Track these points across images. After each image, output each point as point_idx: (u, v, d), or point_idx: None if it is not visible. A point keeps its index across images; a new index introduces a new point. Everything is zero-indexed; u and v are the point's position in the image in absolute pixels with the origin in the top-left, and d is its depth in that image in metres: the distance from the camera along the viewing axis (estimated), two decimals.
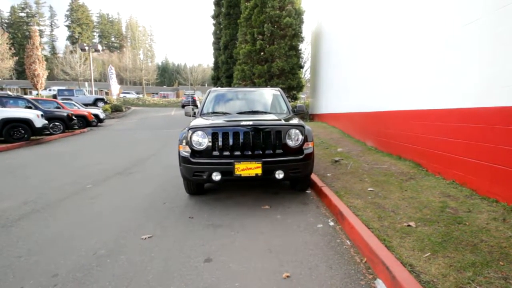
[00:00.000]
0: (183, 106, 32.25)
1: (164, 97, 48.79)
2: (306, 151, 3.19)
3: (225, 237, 2.52)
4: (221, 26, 19.51)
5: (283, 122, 3.28)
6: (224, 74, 18.89)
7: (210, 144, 3.08)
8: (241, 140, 3.05)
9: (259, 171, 2.94)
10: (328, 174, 4.38)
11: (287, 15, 14.16)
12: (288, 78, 15.16)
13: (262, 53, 14.82)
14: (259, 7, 14.40)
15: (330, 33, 11.48)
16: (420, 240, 2.21)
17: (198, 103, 32.58)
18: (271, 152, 3.08)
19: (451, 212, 2.75)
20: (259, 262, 2.09)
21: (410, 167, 4.46)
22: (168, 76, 64.57)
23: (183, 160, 3.14)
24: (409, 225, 2.50)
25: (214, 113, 4.16)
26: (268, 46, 14.58)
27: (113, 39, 67.07)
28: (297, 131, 3.19)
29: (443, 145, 3.78)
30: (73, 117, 11.59)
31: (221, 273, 1.97)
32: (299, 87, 15.50)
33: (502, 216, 2.50)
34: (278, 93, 4.65)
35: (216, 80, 22.75)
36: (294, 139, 3.16)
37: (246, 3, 15.46)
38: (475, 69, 3.22)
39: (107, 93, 37.94)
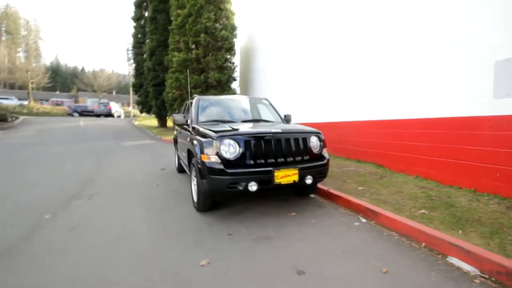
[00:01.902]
0: (97, 116, 27.90)
1: (58, 104, 40.75)
2: (326, 156, 3.43)
3: (289, 247, 2.45)
4: (146, 30, 18.04)
5: (305, 129, 3.43)
6: (151, 81, 17.39)
7: (242, 152, 2.92)
8: (273, 147, 3.02)
9: (296, 178, 2.98)
10: None
11: (223, 28, 14.44)
12: (224, 90, 15.31)
13: (198, 63, 14.51)
14: (193, 17, 14.16)
15: (261, 50, 12.36)
16: (444, 223, 2.74)
17: (113, 113, 28.67)
18: (301, 158, 3.18)
19: (438, 199, 3.48)
20: (349, 263, 2.16)
21: (375, 168, 5.30)
22: (61, 80, 54.15)
23: (213, 171, 2.85)
24: (424, 213, 3.04)
25: (215, 121, 3.92)
26: (204, 57, 14.41)
27: None
28: (317, 137, 3.40)
29: (405, 148, 4.71)
30: None
31: (323, 280, 1.94)
32: None
33: (475, 198, 3.35)
34: (268, 102, 4.77)
35: (138, 88, 20.64)
36: (316, 145, 3.35)
37: (179, 10, 14.96)
38: (433, 87, 4.23)
39: None
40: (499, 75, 3.24)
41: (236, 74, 16.27)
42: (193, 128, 3.75)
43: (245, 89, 16.18)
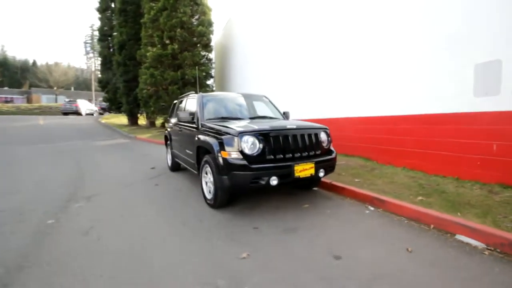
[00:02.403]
0: (64, 114, 25.68)
1: (8, 101, 36.76)
2: (334, 150, 3.65)
3: (318, 236, 2.61)
4: (114, 23, 16.97)
5: (314, 125, 3.60)
6: (121, 77, 16.44)
7: (262, 148, 3.01)
8: (291, 143, 3.16)
9: (313, 171, 3.15)
10: None
11: (200, 24, 14.17)
12: (202, 87, 15.06)
13: (174, 59, 14.06)
14: (168, 11, 13.67)
15: (239, 47, 12.38)
16: (442, 207, 3.10)
17: (81, 111, 26.49)
18: (314, 153, 3.35)
19: (429, 187, 3.89)
20: (376, 246, 2.37)
21: (363, 161, 5.70)
22: (9, 74, 48.67)
23: (235, 167, 2.90)
24: (422, 199, 3.40)
25: (223, 118, 3.94)
26: (180, 52, 14.01)
27: None
28: (325, 133, 3.61)
29: (392, 142, 5.14)
30: None
31: (361, 263, 2.12)
32: None
33: (460, 184, 3.82)
34: (267, 99, 4.88)
35: (105, 84, 19.36)
36: (325, 140, 3.56)
37: (152, 3, 14.34)
38: (417, 88, 4.67)
39: None
40: (478, 76, 3.71)
41: (213, 71, 16.09)
42: (202, 125, 3.73)
43: (221, 86, 16.08)
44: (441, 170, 4.27)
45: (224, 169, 2.99)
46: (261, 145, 3.02)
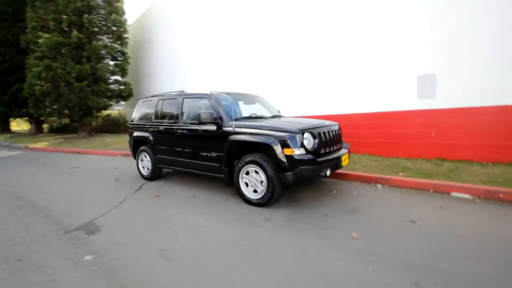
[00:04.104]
0: None
1: None
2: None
3: (378, 210, 3.18)
4: None
5: (336, 122, 4.16)
6: None
7: (318, 143, 3.34)
8: (332, 137, 3.62)
9: (348, 160, 3.71)
10: None
11: (113, 11, 12.26)
12: (120, 84, 13.09)
13: (80, 50, 11.60)
14: None
15: (162, 43, 11.66)
16: (421, 177, 4.29)
17: None
18: (341, 145, 3.92)
19: (396, 165, 5.14)
20: (427, 210, 3.16)
21: None
22: None
23: (302, 162, 3.11)
24: (403, 174, 4.55)
25: (248, 117, 3.96)
26: (89, 43, 11.72)
27: None
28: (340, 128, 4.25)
29: (351, 134, 6.35)
30: None
31: (434, 223, 2.85)
32: (129, 95, 13.88)
33: (413, 162, 5.25)
34: (263, 99, 5.10)
35: None
36: (341, 134, 4.19)
37: None
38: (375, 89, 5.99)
39: None
40: (420, 84, 5.23)
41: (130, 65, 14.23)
42: (236, 125, 3.62)
43: (137, 85, 14.45)
44: (394, 153, 5.69)
45: (288, 166, 3.13)
46: (316, 141, 3.33)
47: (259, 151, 3.44)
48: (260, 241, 2.59)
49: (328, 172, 3.34)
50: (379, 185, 4.24)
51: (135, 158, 5.50)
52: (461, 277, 1.90)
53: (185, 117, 4.38)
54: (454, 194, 3.62)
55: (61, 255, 2.45)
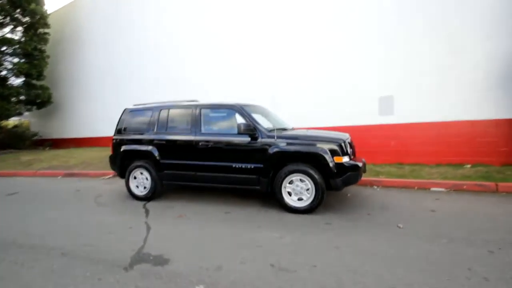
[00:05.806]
0: None
1: None
2: None
3: (404, 208, 3.86)
4: None
5: None
6: None
7: (351, 152, 3.83)
8: (352, 147, 4.18)
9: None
10: None
11: (32, 1, 10.02)
12: (38, 88, 10.59)
13: None
14: None
15: (103, 44, 10.43)
16: (403, 178, 5.34)
17: None
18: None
19: (371, 169, 6.19)
20: (429, 203, 4.01)
21: None
22: None
23: (351, 169, 3.52)
24: (385, 176, 5.54)
25: (278, 129, 4.12)
26: None
27: None
28: None
29: None
30: None
31: (446, 211, 3.68)
32: (48, 102, 11.43)
33: (380, 166, 6.41)
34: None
35: None
36: None
37: None
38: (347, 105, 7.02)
39: None
40: (381, 103, 6.52)
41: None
42: (278, 136, 3.72)
43: (59, 90, 12.08)
44: (385, 160, 6.79)
45: (338, 173, 3.48)
46: (351, 150, 3.81)
47: (303, 160, 3.65)
48: (349, 242, 2.79)
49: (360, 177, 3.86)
50: (375, 187, 5.05)
51: (121, 176, 4.73)
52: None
53: (206, 128, 4.15)
54: (433, 189, 4.72)
55: None
